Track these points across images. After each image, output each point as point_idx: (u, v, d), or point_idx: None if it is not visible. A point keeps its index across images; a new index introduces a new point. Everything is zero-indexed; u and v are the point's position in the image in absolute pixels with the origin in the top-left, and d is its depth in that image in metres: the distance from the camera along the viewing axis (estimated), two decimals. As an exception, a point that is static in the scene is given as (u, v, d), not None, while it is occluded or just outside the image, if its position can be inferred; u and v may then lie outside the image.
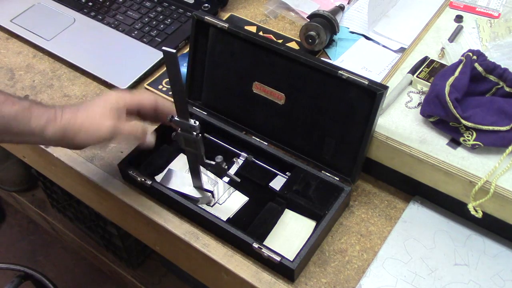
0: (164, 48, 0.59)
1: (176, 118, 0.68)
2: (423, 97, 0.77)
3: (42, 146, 0.89)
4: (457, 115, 0.68)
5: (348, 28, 1.05)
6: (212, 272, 0.77)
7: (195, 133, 0.68)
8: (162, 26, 1.06)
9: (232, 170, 0.82)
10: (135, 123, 0.72)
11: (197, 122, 0.67)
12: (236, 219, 0.77)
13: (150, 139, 0.74)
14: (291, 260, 0.68)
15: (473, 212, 0.68)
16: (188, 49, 0.87)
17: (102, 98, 0.70)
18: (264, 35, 1.04)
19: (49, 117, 0.67)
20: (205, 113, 0.87)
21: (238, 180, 0.78)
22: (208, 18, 0.80)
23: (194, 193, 0.76)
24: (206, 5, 1.08)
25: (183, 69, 0.92)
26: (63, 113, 0.68)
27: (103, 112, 0.69)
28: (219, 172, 0.76)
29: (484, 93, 0.73)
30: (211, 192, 0.78)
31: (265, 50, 0.77)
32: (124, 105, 0.71)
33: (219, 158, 0.74)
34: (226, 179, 0.81)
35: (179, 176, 0.77)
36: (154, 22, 1.07)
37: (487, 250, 0.73)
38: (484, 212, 0.68)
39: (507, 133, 0.68)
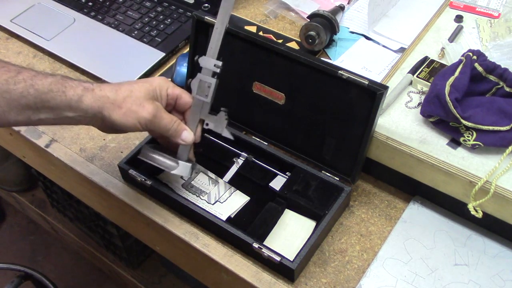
0: None
1: (204, 56, 0.68)
2: (423, 97, 0.77)
3: (42, 146, 0.89)
4: (457, 115, 0.68)
5: (348, 28, 1.05)
6: (212, 272, 0.77)
7: (218, 70, 0.69)
8: (162, 26, 1.06)
9: (232, 170, 0.82)
10: (174, 117, 0.70)
11: (221, 62, 0.69)
12: (236, 219, 0.77)
13: (186, 135, 0.71)
14: (291, 260, 0.68)
15: (473, 212, 0.68)
16: (188, 49, 0.87)
17: (146, 81, 0.69)
18: (264, 35, 1.04)
19: (86, 87, 0.65)
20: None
21: (232, 138, 0.76)
22: (208, 18, 0.80)
23: (170, 164, 0.74)
24: (206, 5, 1.08)
25: (183, 69, 0.92)
26: (102, 86, 0.66)
27: (147, 93, 0.67)
28: (219, 124, 0.74)
29: (484, 93, 0.73)
30: (192, 163, 0.75)
31: (265, 50, 0.77)
32: (166, 94, 0.70)
33: (223, 109, 0.73)
34: (227, 177, 0.81)
35: (156, 152, 0.75)
36: (154, 22, 1.07)
37: (487, 250, 0.73)
38: (484, 212, 0.68)
39: (507, 133, 0.68)
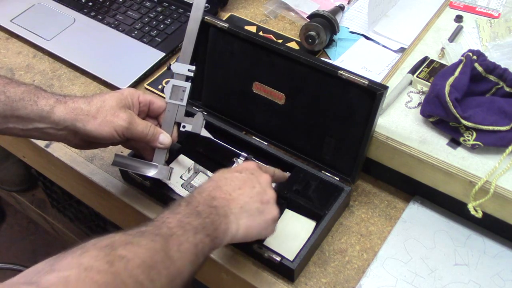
0: None
1: (176, 62, 0.69)
2: (423, 97, 0.77)
3: (42, 146, 0.89)
4: (457, 115, 0.68)
5: (348, 28, 1.05)
6: (212, 272, 0.77)
7: (191, 74, 0.73)
8: (162, 26, 1.06)
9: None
10: (148, 122, 0.70)
11: (194, 66, 0.73)
12: (236, 219, 0.77)
13: (163, 138, 0.71)
14: (291, 260, 0.68)
15: (473, 212, 0.68)
16: (188, 49, 0.87)
17: (117, 91, 0.69)
18: (264, 35, 1.04)
19: (59, 99, 0.65)
20: (205, 113, 0.86)
21: (212, 137, 0.77)
22: (208, 18, 0.80)
23: (147, 169, 0.74)
24: (206, 5, 1.07)
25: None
26: (74, 98, 0.66)
27: (119, 102, 0.67)
28: (196, 125, 0.75)
29: (484, 93, 0.73)
30: (172, 168, 0.75)
31: (265, 50, 0.77)
32: (138, 101, 0.70)
33: (199, 110, 0.75)
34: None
35: (129, 158, 0.76)
36: (154, 22, 1.07)
37: (487, 250, 0.73)
38: (484, 212, 0.68)
39: (507, 133, 0.68)
